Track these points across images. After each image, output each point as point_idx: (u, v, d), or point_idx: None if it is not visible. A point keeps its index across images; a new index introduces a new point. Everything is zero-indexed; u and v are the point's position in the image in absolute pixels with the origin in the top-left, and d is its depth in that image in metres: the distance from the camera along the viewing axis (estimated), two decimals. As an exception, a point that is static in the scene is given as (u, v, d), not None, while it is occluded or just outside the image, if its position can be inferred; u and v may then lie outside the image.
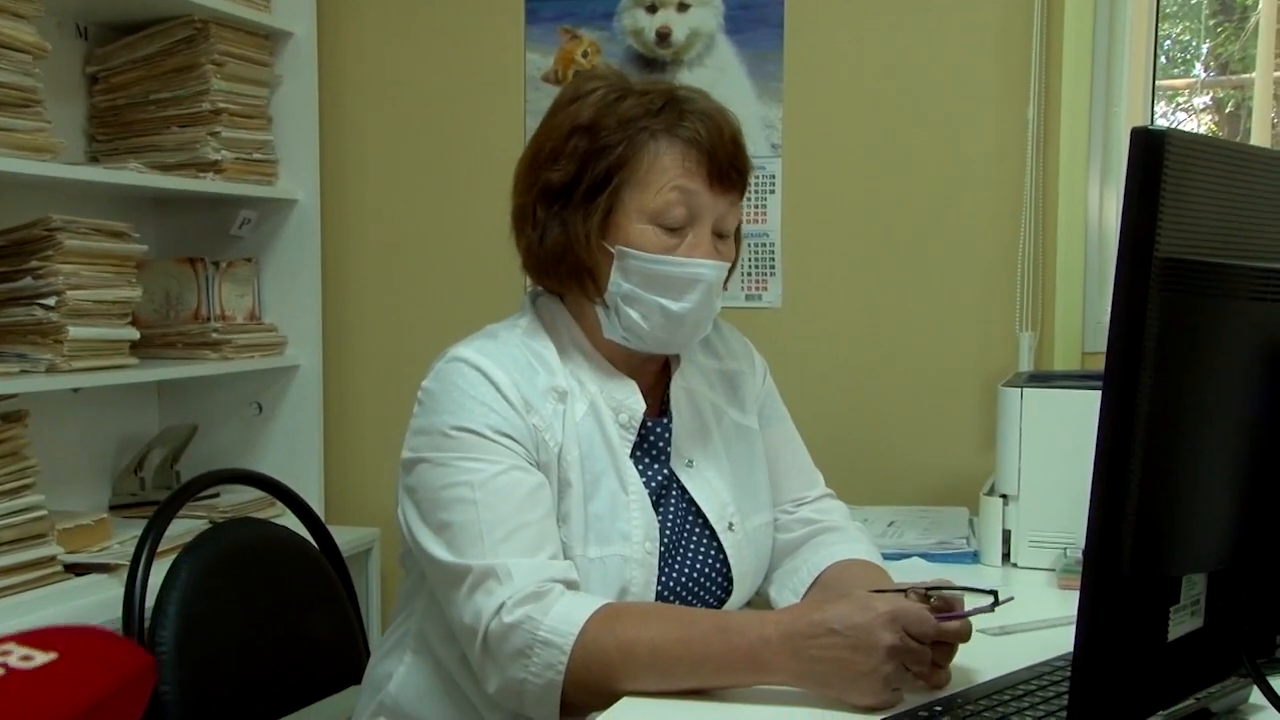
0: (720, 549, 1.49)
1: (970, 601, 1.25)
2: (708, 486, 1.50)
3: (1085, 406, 1.80)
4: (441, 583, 1.35)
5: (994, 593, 1.25)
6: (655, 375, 1.54)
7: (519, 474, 1.35)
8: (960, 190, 2.52)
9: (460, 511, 1.32)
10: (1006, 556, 1.93)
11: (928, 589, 1.25)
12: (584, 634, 1.25)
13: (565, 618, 1.26)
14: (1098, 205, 2.43)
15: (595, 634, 1.25)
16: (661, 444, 1.50)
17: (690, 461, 1.51)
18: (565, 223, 1.43)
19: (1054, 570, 1.85)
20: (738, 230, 1.51)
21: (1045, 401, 1.91)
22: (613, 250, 1.41)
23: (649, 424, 1.49)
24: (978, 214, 2.51)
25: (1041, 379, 2.06)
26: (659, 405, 1.53)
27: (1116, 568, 0.93)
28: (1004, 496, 1.94)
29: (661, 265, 1.41)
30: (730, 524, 1.50)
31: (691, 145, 1.41)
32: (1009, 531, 1.93)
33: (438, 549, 1.33)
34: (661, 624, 1.26)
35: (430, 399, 1.40)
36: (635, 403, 1.47)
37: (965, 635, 1.25)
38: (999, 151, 2.48)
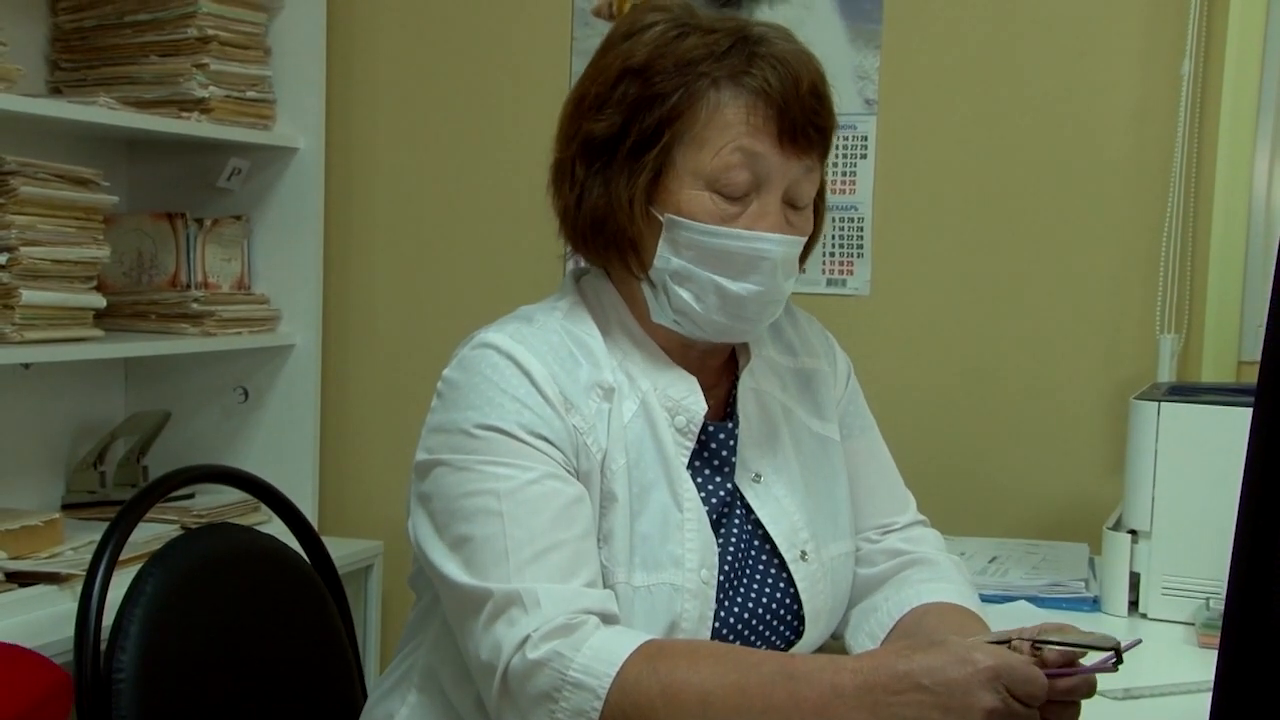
0: (790, 581, 1.50)
1: (1089, 656, 1.24)
2: (777, 506, 1.52)
3: (1238, 426, 1.79)
4: (456, 609, 1.37)
5: (1116, 646, 1.24)
6: (719, 371, 1.56)
7: (554, 484, 1.36)
8: (1093, 160, 2.50)
9: (482, 525, 1.34)
10: (1134, 605, 1.93)
11: (1036, 641, 1.24)
12: (622, 675, 1.26)
13: (600, 655, 1.27)
14: (1265, 181, 2.40)
15: (636, 675, 1.26)
16: (725, 454, 1.51)
17: (758, 476, 1.52)
18: (608, 183, 1.45)
19: (1193, 624, 1.84)
20: (819, 198, 1.52)
21: (1189, 419, 1.91)
22: (661, 219, 1.43)
23: (710, 429, 1.50)
24: (1113, 189, 2.49)
25: (1185, 392, 2.05)
26: (723, 407, 1.55)
27: (1264, 622, 0.92)
28: (1133, 532, 1.93)
29: (718, 238, 1.42)
30: (803, 552, 1.51)
31: (759, 97, 1.42)
32: (1137, 575, 1.93)
33: (453, 568, 1.35)
34: (715, 666, 1.27)
35: (452, 391, 1.42)
36: (695, 403, 1.48)
37: (1087, 694, 1.24)
38: (1143, 113, 2.46)
